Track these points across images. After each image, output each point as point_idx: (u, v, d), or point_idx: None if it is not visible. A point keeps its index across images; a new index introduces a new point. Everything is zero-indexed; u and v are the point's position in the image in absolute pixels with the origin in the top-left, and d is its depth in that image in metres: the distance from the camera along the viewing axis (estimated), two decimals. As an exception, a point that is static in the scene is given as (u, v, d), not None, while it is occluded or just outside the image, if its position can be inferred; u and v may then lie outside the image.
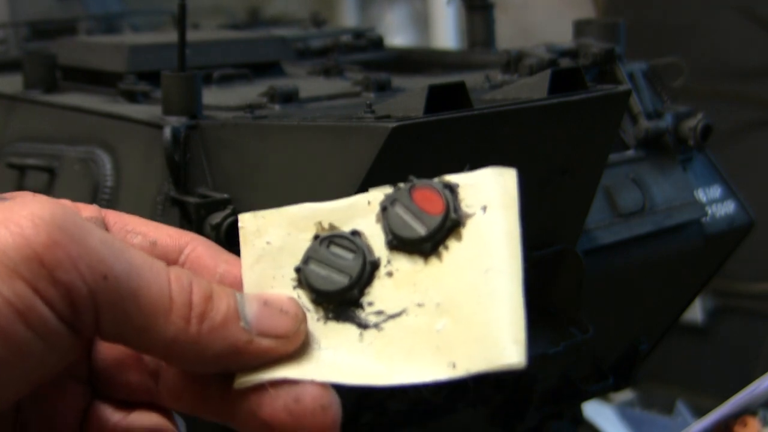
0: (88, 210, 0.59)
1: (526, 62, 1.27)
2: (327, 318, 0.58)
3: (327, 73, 1.37)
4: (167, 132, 1.01)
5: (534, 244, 1.14)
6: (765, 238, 1.82)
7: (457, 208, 0.57)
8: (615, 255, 1.28)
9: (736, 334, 2.32)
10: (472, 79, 1.22)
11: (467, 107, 0.91)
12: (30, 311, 0.47)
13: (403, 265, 0.58)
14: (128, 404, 0.60)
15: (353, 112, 0.97)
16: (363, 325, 0.57)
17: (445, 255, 0.57)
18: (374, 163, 0.89)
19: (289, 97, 1.13)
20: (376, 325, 0.57)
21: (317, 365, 0.56)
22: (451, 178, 0.58)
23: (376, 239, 0.58)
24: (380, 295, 0.57)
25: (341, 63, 1.40)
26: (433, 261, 0.57)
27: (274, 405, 0.54)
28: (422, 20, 3.25)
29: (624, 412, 1.87)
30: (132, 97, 1.19)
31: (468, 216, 0.57)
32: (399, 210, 0.58)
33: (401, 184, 0.59)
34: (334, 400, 0.54)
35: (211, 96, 1.15)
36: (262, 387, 0.55)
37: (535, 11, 2.81)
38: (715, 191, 1.39)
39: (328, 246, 0.58)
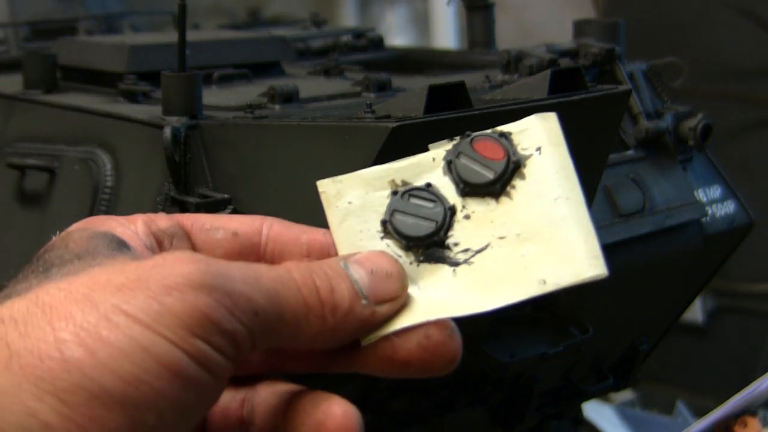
0: (164, 220, 0.67)
1: (526, 62, 1.27)
2: (419, 261, 0.66)
3: (327, 73, 1.37)
4: (167, 132, 1.01)
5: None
6: (765, 238, 1.82)
7: (515, 152, 0.66)
8: (615, 255, 1.28)
9: (736, 334, 2.32)
10: (472, 79, 1.22)
11: (467, 107, 0.91)
12: (209, 361, 0.57)
13: (477, 207, 0.66)
14: (248, 380, 0.67)
15: (353, 112, 0.97)
16: (454, 263, 0.65)
17: (514, 193, 0.65)
18: (374, 163, 0.89)
19: (289, 97, 1.13)
20: (466, 261, 0.65)
21: (427, 306, 0.63)
22: (503, 128, 0.66)
23: (447, 189, 0.67)
24: (463, 235, 0.66)
25: (341, 63, 1.40)
26: (504, 200, 0.66)
27: (408, 346, 0.62)
28: (422, 20, 3.25)
29: (624, 412, 1.87)
30: (132, 97, 1.19)
31: (526, 157, 0.65)
32: (465, 161, 0.66)
33: (458, 138, 0.67)
34: (455, 327, 0.62)
35: (211, 96, 1.15)
36: (388, 337, 0.62)
37: (535, 11, 2.81)
38: (715, 191, 1.39)
39: (408, 198, 0.66)
